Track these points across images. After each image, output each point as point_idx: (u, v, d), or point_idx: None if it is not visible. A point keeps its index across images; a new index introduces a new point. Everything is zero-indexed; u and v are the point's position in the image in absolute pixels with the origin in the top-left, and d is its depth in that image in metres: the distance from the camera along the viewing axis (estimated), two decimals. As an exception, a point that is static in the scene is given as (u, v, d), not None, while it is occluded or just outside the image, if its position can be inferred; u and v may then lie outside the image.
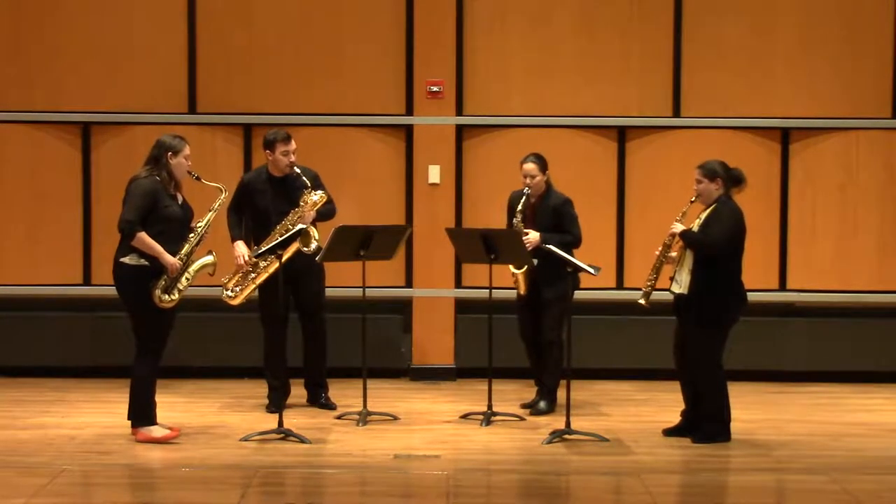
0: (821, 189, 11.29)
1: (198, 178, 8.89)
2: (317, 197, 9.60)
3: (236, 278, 9.67)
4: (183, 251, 8.71)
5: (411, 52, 11.18)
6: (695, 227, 8.88)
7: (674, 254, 8.93)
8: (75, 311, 11.17)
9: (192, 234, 8.77)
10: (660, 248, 8.96)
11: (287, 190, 9.66)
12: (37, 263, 11.19)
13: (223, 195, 9.02)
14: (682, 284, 8.83)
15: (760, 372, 11.09)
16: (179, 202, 8.80)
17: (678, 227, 8.88)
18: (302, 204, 9.58)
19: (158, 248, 8.60)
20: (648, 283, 8.97)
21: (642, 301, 9.04)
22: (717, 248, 8.75)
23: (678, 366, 9.04)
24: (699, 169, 8.92)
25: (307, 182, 9.57)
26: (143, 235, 8.58)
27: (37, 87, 11.15)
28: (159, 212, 8.63)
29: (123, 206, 8.67)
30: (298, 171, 9.61)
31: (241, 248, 9.67)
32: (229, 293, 9.68)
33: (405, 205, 11.27)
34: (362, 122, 11.19)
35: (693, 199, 8.94)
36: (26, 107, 11.14)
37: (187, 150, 8.79)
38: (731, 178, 8.91)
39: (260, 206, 9.71)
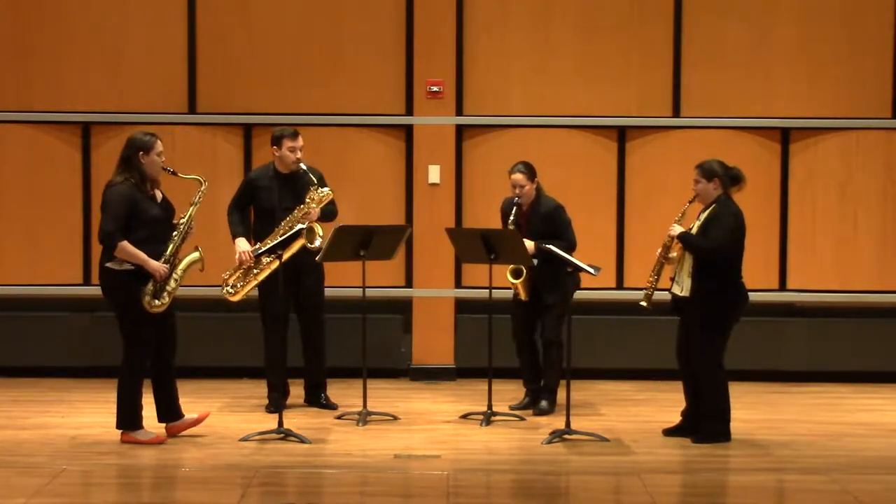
0: (821, 189, 11.29)
1: (174, 173, 8.70)
2: (324, 193, 9.59)
3: (237, 275, 9.62)
4: (168, 252, 8.56)
5: (411, 52, 11.18)
6: (694, 227, 8.86)
7: (674, 254, 8.91)
8: (75, 311, 11.16)
9: (174, 233, 8.60)
10: (659, 250, 8.95)
11: (293, 187, 9.63)
12: (37, 263, 11.19)
13: (203, 186, 8.79)
14: (682, 287, 8.82)
15: (760, 372, 11.09)
16: (159, 201, 8.62)
17: (677, 230, 8.86)
18: (308, 200, 9.56)
19: (142, 255, 8.44)
20: (650, 285, 8.96)
21: (644, 303, 9.02)
22: (716, 253, 8.72)
23: (680, 365, 9.03)
24: (697, 169, 8.91)
25: (314, 179, 9.56)
26: (125, 245, 8.42)
27: (37, 87, 11.16)
28: (141, 216, 8.46)
29: (102, 215, 8.51)
30: (305, 167, 9.59)
31: (242, 244, 9.59)
32: (230, 289, 9.62)
33: (405, 205, 11.27)
34: (362, 122, 11.19)
35: (691, 199, 8.93)
36: (26, 107, 11.14)
37: (159, 147, 8.59)
38: (730, 178, 8.89)
39: (265, 203, 9.66)
